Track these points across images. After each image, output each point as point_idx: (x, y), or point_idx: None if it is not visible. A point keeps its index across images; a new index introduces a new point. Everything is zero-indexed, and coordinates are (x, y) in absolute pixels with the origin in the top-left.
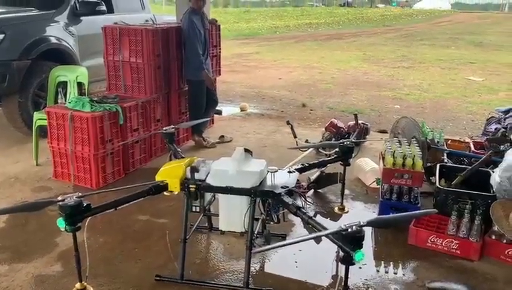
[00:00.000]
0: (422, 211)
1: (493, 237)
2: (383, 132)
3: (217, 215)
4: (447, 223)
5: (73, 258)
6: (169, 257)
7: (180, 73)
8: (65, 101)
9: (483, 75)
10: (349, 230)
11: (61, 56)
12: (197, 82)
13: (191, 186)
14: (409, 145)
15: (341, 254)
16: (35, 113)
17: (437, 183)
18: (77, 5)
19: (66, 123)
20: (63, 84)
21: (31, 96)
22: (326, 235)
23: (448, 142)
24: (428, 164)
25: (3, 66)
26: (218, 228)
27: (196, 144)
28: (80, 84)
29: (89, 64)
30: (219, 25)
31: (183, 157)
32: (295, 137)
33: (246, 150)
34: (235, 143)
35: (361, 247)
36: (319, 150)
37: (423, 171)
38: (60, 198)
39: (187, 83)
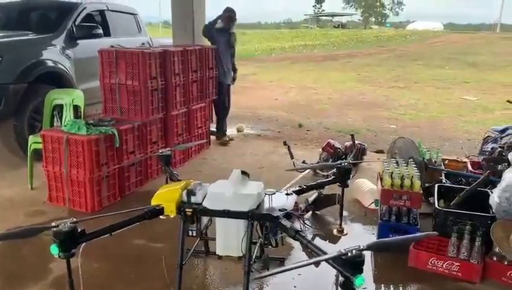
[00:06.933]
0: (423, 233)
1: (494, 259)
2: (380, 152)
3: (214, 239)
4: (447, 244)
5: (67, 285)
6: (165, 282)
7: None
8: (61, 124)
9: (478, 95)
10: (349, 254)
11: (58, 79)
12: None
13: (187, 210)
14: (407, 166)
15: (341, 278)
16: (30, 136)
17: (436, 204)
18: (74, 29)
19: (62, 146)
20: (59, 108)
21: (26, 120)
22: (326, 260)
23: (446, 162)
24: (427, 185)
25: None
26: (215, 253)
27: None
28: (76, 107)
29: (85, 87)
30: (216, 48)
31: (179, 180)
32: (292, 158)
33: (243, 172)
34: (231, 165)
35: (362, 271)
36: (317, 171)
37: (421, 192)
38: (54, 224)
39: (227, 89)
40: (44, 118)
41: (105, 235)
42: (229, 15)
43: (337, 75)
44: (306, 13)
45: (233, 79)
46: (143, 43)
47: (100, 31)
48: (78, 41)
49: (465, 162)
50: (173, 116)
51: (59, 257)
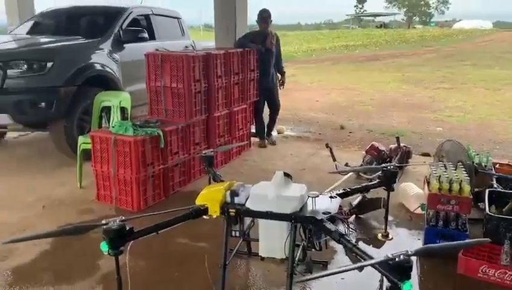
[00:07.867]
0: (474, 240)
1: None
2: (426, 155)
3: (257, 240)
4: (499, 252)
5: (115, 281)
6: (208, 282)
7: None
8: (109, 125)
9: None
10: (397, 259)
11: (105, 82)
12: None
13: (230, 210)
14: (455, 170)
15: (387, 284)
16: (79, 137)
17: (487, 210)
18: (121, 33)
19: (110, 147)
20: (107, 109)
21: (76, 121)
22: (372, 265)
23: (497, 166)
24: (476, 189)
25: (51, 92)
26: (257, 253)
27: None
28: (123, 109)
29: (131, 89)
30: (256, 50)
31: (222, 181)
32: (334, 160)
33: (286, 174)
34: (272, 167)
35: (410, 277)
36: (360, 174)
37: (471, 196)
38: (103, 222)
39: (266, 91)
40: (92, 119)
41: (152, 234)
42: (261, 16)
43: (380, 75)
44: (347, 13)
45: (282, 83)
46: (186, 46)
47: (146, 35)
48: (125, 45)
49: None
50: (215, 117)
51: (108, 254)
